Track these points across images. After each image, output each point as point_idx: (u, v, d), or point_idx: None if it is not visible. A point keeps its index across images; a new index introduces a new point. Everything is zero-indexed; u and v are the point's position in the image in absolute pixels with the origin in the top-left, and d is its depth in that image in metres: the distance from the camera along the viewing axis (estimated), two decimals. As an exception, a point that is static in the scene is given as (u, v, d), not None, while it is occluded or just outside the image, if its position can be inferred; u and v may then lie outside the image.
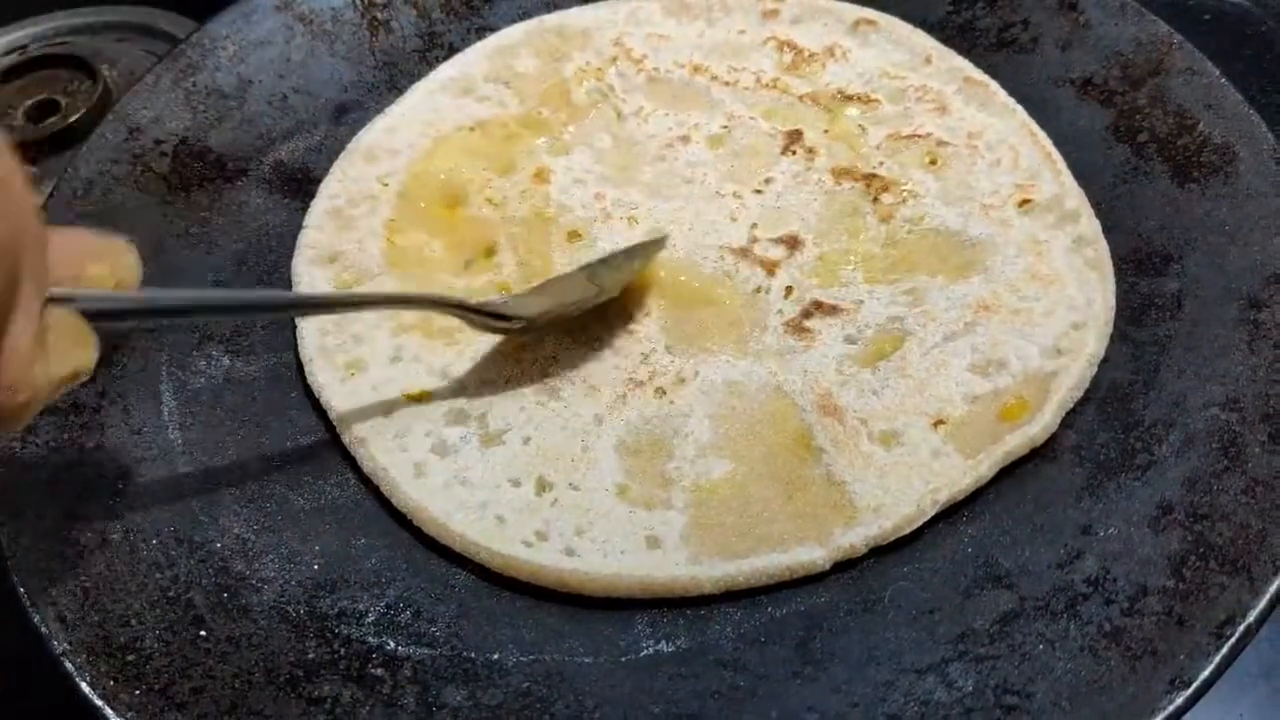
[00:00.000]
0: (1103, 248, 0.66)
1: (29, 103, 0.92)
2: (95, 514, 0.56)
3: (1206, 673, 0.48)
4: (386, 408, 0.62)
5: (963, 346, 0.63)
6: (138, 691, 0.50)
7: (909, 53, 0.79)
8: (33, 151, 0.86)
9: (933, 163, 0.73)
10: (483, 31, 0.83)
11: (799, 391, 0.62)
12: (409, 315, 0.66)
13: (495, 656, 0.54)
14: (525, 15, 0.83)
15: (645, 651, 0.54)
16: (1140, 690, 0.48)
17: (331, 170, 0.74)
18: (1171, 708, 0.47)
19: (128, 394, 0.62)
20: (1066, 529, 0.56)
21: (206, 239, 0.70)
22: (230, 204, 0.72)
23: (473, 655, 0.54)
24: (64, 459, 0.58)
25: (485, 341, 0.65)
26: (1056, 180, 0.70)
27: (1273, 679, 0.63)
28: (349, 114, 0.78)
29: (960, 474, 0.58)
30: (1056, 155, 0.71)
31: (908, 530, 0.57)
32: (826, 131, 0.75)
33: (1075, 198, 0.69)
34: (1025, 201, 0.69)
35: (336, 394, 0.63)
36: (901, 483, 0.58)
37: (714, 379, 0.63)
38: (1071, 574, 0.54)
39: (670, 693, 0.52)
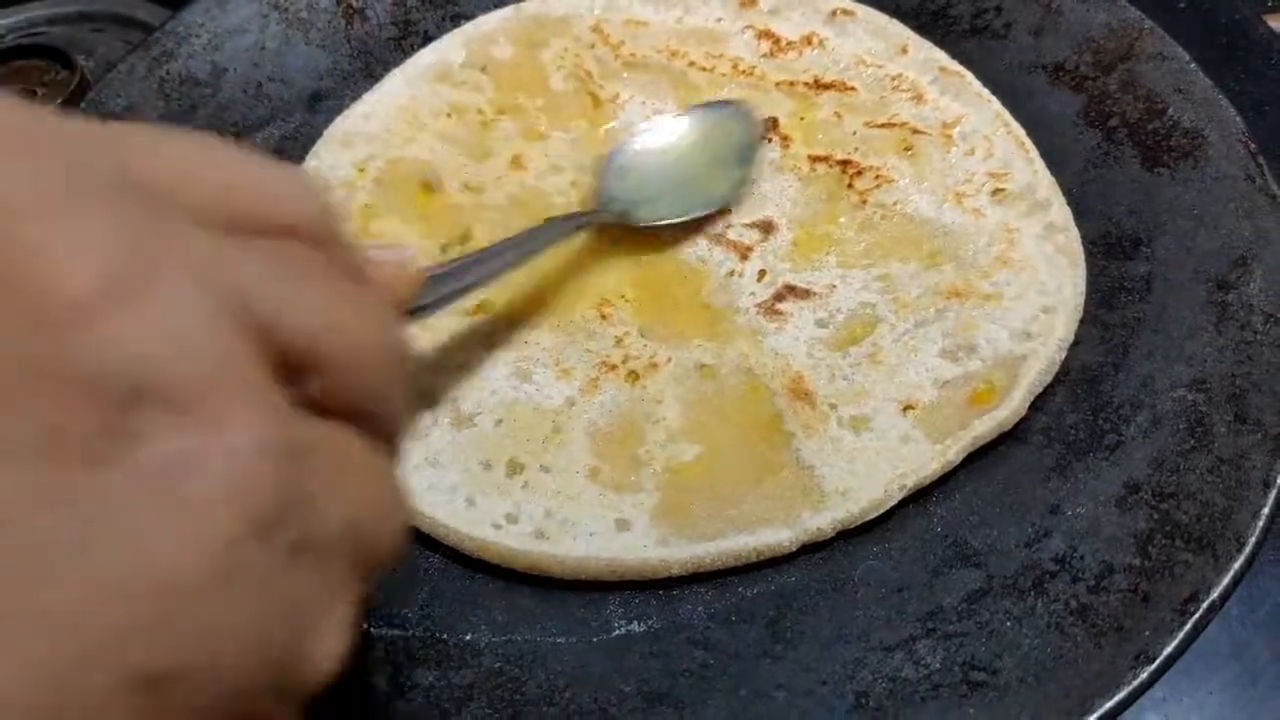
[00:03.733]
0: (1073, 234, 0.67)
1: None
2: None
3: (1171, 648, 0.49)
4: (358, 391, 0.62)
5: (934, 332, 0.64)
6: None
7: (886, 42, 0.80)
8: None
9: (907, 149, 0.74)
10: (458, 19, 0.83)
11: (770, 375, 0.63)
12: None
13: (468, 637, 0.54)
14: (502, 3, 0.84)
15: (617, 631, 0.55)
16: (1106, 666, 0.49)
17: (308, 157, 0.75)
18: (1136, 682, 0.48)
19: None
20: (1035, 509, 0.57)
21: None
22: (205, 191, 0.72)
23: (445, 636, 0.54)
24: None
25: (457, 325, 0.65)
26: (1029, 169, 0.71)
27: (1243, 658, 0.63)
28: (324, 102, 0.78)
29: (928, 459, 0.59)
30: (1029, 144, 0.72)
31: (874, 514, 0.57)
32: (803, 119, 0.76)
33: (1047, 186, 0.70)
34: (998, 190, 0.70)
35: (309, 377, 0.63)
36: (869, 467, 0.59)
37: (686, 363, 0.63)
38: (1039, 553, 0.55)
39: (641, 672, 0.53)
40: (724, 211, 0.71)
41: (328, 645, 0.30)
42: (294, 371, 0.30)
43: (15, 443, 0.25)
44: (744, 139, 0.74)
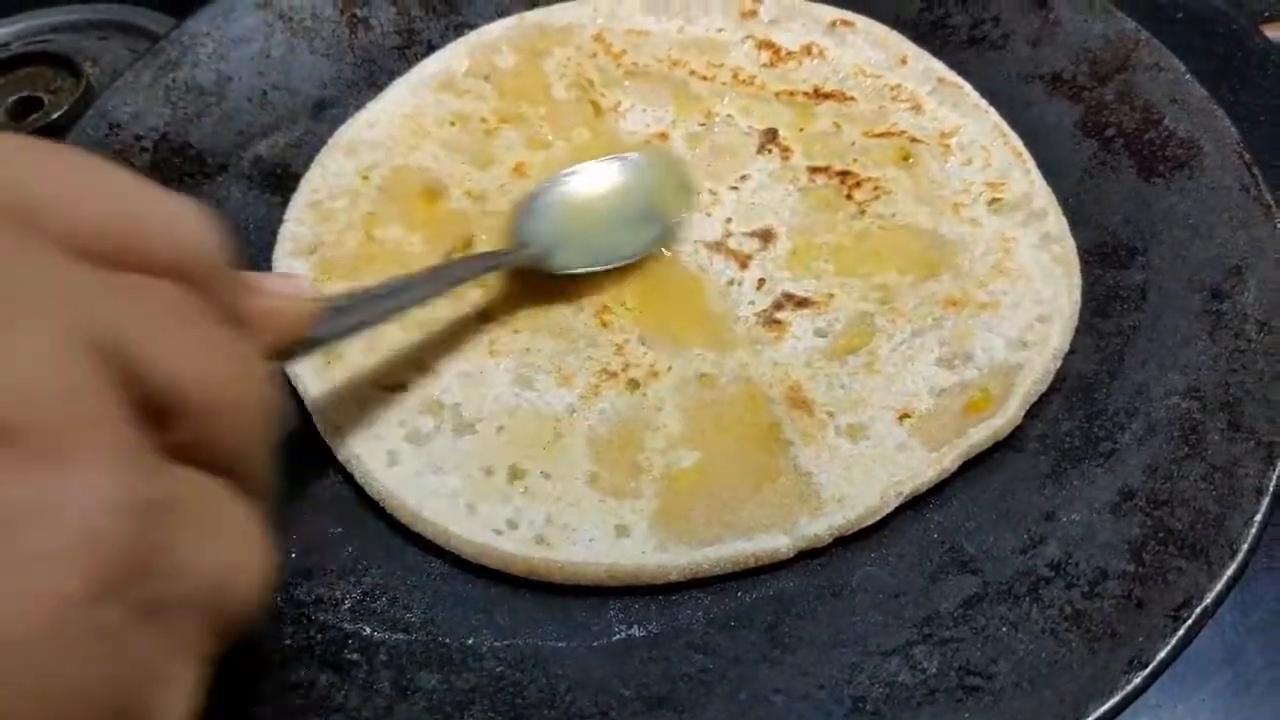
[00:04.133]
0: (1069, 245, 0.68)
1: (11, 100, 0.93)
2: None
3: (1164, 654, 0.49)
4: (361, 397, 0.63)
5: (930, 341, 0.65)
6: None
7: (885, 53, 0.80)
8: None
9: (906, 159, 0.74)
10: (461, 29, 0.84)
11: (769, 384, 0.63)
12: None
13: (470, 642, 0.55)
14: (503, 12, 0.85)
15: (617, 636, 0.55)
16: (1099, 671, 0.50)
17: (313, 165, 0.75)
18: (1130, 687, 0.49)
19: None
20: (1030, 515, 0.58)
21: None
22: (210, 199, 0.73)
23: (447, 641, 0.55)
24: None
25: (460, 333, 0.66)
26: (1026, 179, 0.71)
27: (1236, 665, 0.64)
28: (328, 110, 0.79)
29: (924, 466, 0.59)
30: (1026, 155, 0.73)
31: (871, 521, 0.58)
32: (802, 129, 0.77)
33: (1043, 197, 0.70)
34: (995, 200, 0.71)
35: (313, 383, 0.64)
36: (866, 475, 0.59)
37: (686, 371, 0.64)
38: (1034, 559, 0.55)
39: (641, 676, 0.53)
40: (724, 219, 0.72)
41: (171, 708, 0.29)
42: (159, 416, 0.29)
43: None
44: (667, 192, 0.73)
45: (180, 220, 0.33)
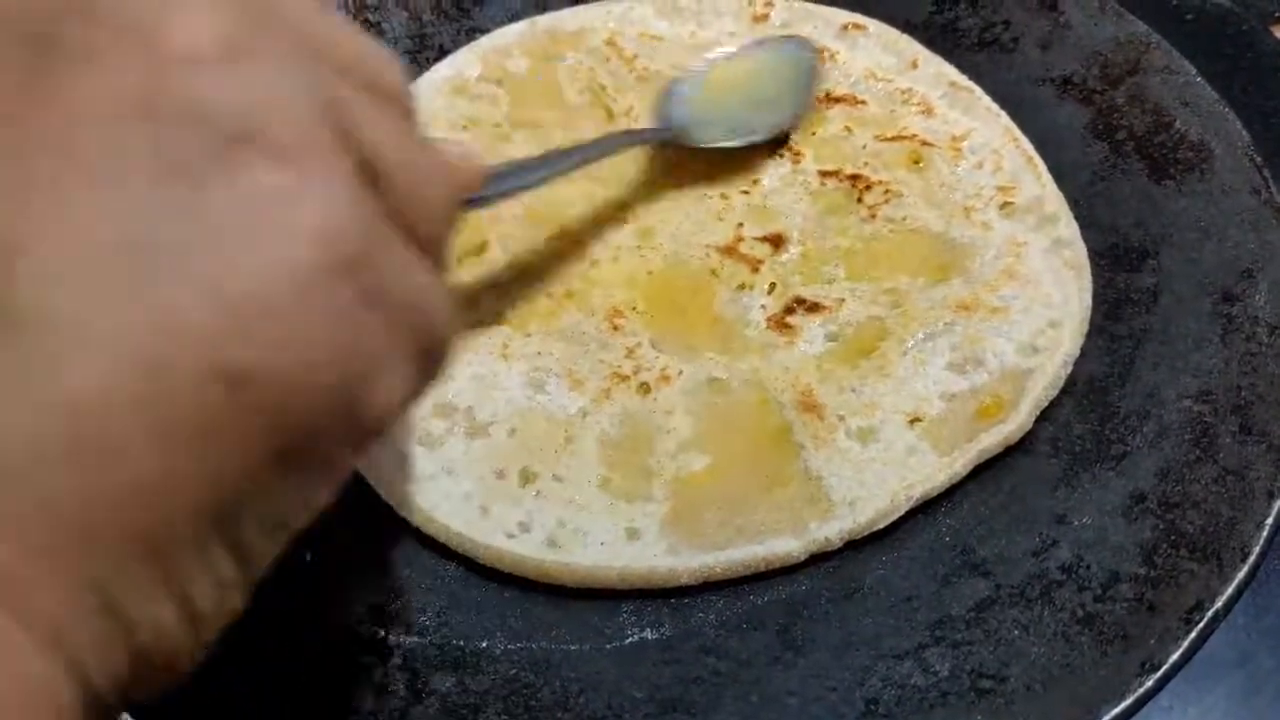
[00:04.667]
0: (1080, 249, 0.68)
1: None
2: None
3: (1175, 656, 0.50)
4: (373, 403, 0.63)
5: (941, 345, 0.65)
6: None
7: (896, 57, 0.81)
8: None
9: (917, 163, 0.74)
10: (473, 33, 0.84)
11: (780, 388, 0.64)
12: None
13: (483, 645, 0.55)
14: (515, 17, 0.85)
15: (630, 639, 0.55)
16: (1111, 673, 0.50)
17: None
18: (1142, 690, 0.49)
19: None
20: (1042, 519, 0.58)
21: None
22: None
23: (461, 644, 0.55)
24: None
25: (473, 338, 0.66)
26: (1037, 183, 0.71)
27: (1248, 666, 0.64)
28: (341, 115, 0.79)
29: (935, 471, 0.59)
30: (1038, 159, 0.73)
31: (881, 525, 0.58)
32: (813, 133, 0.77)
33: (1055, 201, 0.70)
34: (1006, 204, 0.71)
35: (325, 388, 0.64)
36: (877, 479, 0.59)
37: (697, 376, 0.64)
38: (1046, 562, 0.56)
39: (654, 678, 0.54)
40: (736, 224, 0.72)
41: (388, 396, 0.33)
42: (371, 182, 0.34)
43: (134, 156, 0.29)
44: (803, 69, 0.79)
45: (387, 56, 0.38)
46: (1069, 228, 0.69)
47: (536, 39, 0.83)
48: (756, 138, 0.76)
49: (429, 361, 0.36)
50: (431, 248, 0.37)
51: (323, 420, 0.31)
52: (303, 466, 0.32)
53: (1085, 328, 0.65)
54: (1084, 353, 0.64)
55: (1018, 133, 0.74)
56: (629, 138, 0.74)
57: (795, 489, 0.59)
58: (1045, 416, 0.62)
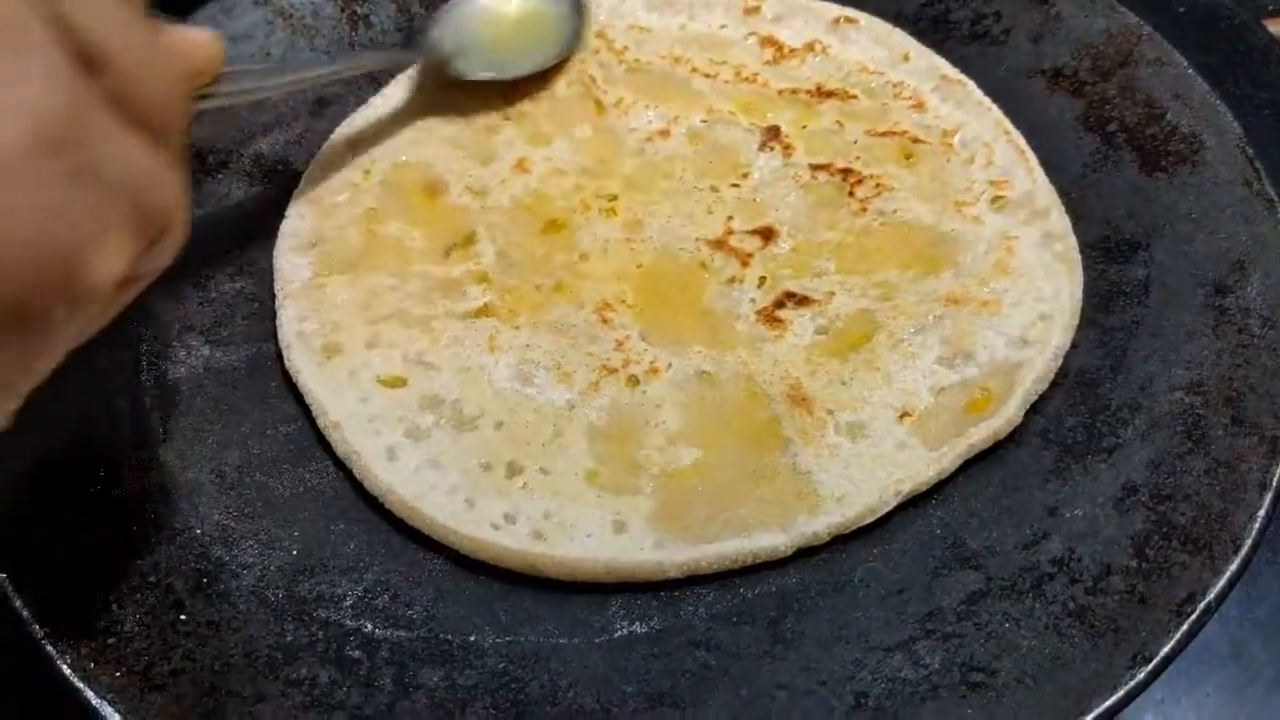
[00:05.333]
0: (1071, 243, 0.68)
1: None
2: (75, 501, 0.57)
3: (1167, 649, 0.50)
4: (362, 393, 0.63)
5: (931, 339, 0.65)
6: (118, 673, 0.51)
7: (888, 50, 0.80)
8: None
9: (908, 158, 0.74)
10: (462, 25, 0.84)
11: (769, 381, 0.63)
12: (385, 305, 0.67)
13: (471, 638, 0.55)
14: (504, 8, 0.85)
15: (619, 632, 0.55)
16: (1103, 666, 0.50)
17: (314, 160, 0.76)
18: (1133, 683, 0.49)
19: (108, 383, 0.63)
20: (1033, 511, 0.58)
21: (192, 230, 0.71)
22: (210, 196, 0.73)
23: (449, 637, 0.55)
24: (45, 447, 0.59)
25: (461, 329, 0.66)
26: (1029, 177, 0.71)
27: (1241, 659, 0.64)
28: (329, 107, 0.79)
29: (924, 466, 0.59)
30: (1029, 153, 0.73)
31: (869, 520, 0.58)
32: (804, 127, 0.77)
33: (1046, 195, 0.70)
34: (998, 198, 0.71)
35: (313, 378, 0.64)
36: (865, 474, 0.59)
37: (686, 369, 0.64)
38: (1037, 554, 0.55)
39: (643, 672, 0.53)
40: (726, 217, 0.72)
41: (106, 267, 0.36)
42: (87, 66, 0.35)
43: None
44: (574, 17, 0.82)
45: None
46: (1060, 221, 0.69)
47: None
48: (518, 73, 0.79)
49: (154, 236, 0.39)
50: (161, 132, 0.39)
51: (32, 287, 0.34)
52: (18, 329, 0.35)
53: (1076, 321, 0.65)
54: (1075, 344, 0.64)
55: (1009, 126, 0.74)
56: (381, 57, 0.77)
57: (783, 483, 0.59)
58: (1036, 408, 0.62)
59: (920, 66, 0.79)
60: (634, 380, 0.64)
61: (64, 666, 0.51)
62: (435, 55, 0.77)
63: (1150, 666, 0.49)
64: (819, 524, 0.57)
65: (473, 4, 0.80)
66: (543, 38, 0.80)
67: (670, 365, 0.64)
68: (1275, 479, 0.54)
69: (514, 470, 0.60)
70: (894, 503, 0.58)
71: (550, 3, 0.81)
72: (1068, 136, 0.73)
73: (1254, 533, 0.53)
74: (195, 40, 0.50)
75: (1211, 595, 0.51)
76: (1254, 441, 0.56)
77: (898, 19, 0.82)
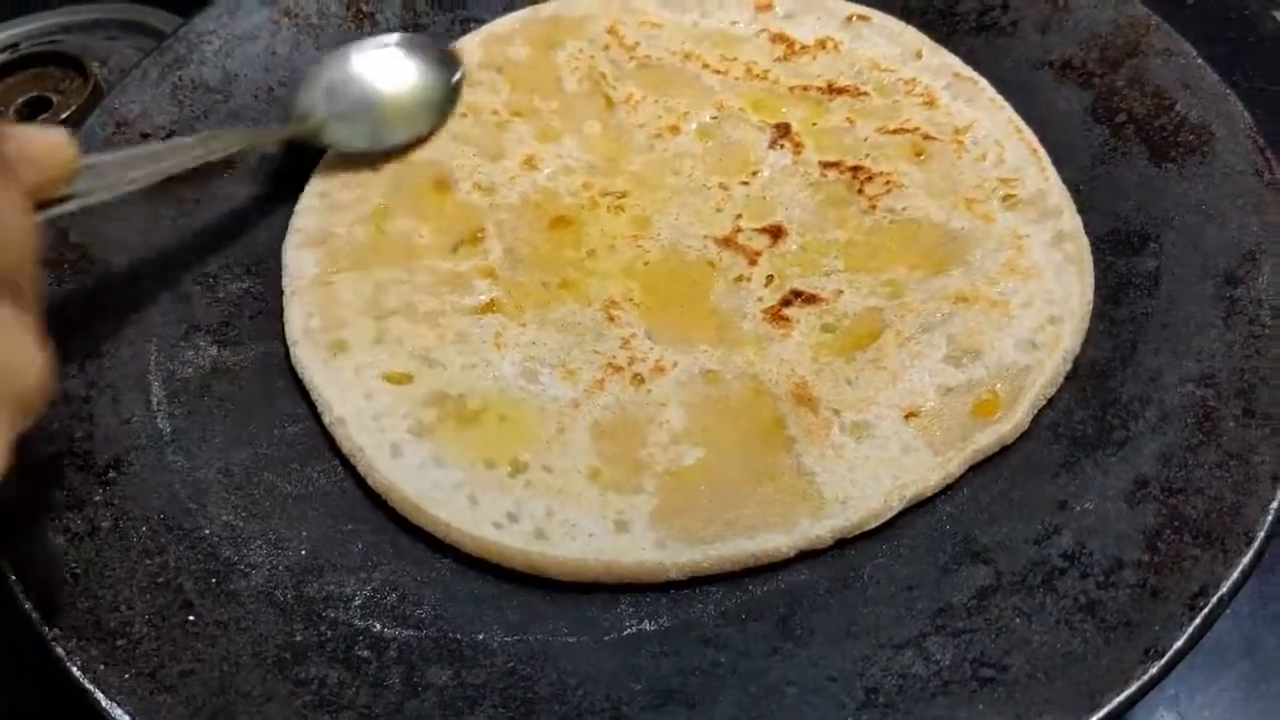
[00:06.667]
0: (1083, 243, 0.67)
1: (21, 100, 0.93)
2: (85, 502, 0.57)
3: (1180, 643, 0.49)
4: (367, 389, 0.63)
5: (938, 337, 0.64)
6: (127, 675, 0.51)
7: (900, 47, 0.80)
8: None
9: (918, 155, 0.74)
10: (467, 23, 0.84)
11: (774, 380, 0.63)
12: (392, 299, 0.67)
13: (480, 637, 0.55)
14: (510, 7, 0.85)
15: (628, 630, 0.55)
16: (1115, 661, 0.49)
17: (324, 157, 0.76)
18: (1146, 677, 0.48)
19: (116, 383, 0.63)
20: (1043, 505, 0.57)
21: (194, 229, 0.71)
22: (217, 194, 0.73)
23: (458, 636, 0.55)
24: (53, 448, 0.59)
25: (467, 325, 0.66)
26: (1040, 175, 0.71)
27: (1255, 655, 0.64)
28: (335, 107, 0.79)
29: (929, 471, 0.59)
30: (1041, 151, 0.72)
31: (873, 524, 0.57)
32: (815, 124, 0.76)
33: (1058, 194, 0.70)
34: (1009, 196, 0.70)
35: (319, 375, 0.64)
36: (870, 477, 0.59)
37: (691, 368, 0.64)
38: (1048, 549, 0.55)
39: (652, 670, 0.53)
40: (735, 215, 0.71)
41: None
42: None
43: None
44: (448, 89, 0.78)
45: None
46: (1072, 221, 0.68)
47: (539, 26, 0.83)
48: (394, 143, 0.75)
49: (20, 424, 0.39)
50: (10, 280, 0.38)
51: None
52: None
53: (1086, 324, 0.64)
54: (1085, 337, 0.63)
55: (1021, 124, 0.74)
56: (247, 134, 0.72)
57: (787, 484, 0.59)
58: (1046, 402, 0.61)
59: (933, 64, 0.78)
60: (639, 378, 0.63)
61: (74, 668, 0.51)
62: (305, 127, 0.74)
63: (1163, 661, 0.48)
64: (822, 527, 0.57)
65: (341, 69, 0.76)
66: (418, 103, 0.77)
67: (676, 364, 0.64)
68: (1288, 471, 0.53)
69: (518, 467, 0.60)
70: (898, 508, 0.58)
71: (423, 67, 0.78)
72: (1076, 128, 0.73)
73: (1266, 525, 0.52)
74: (45, 144, 0.47)
75: (1224, 588, 0.50)
76: (1266, 433, 0.55)
77: (904, 12, 0.81)
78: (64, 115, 0.90)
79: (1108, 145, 0.71)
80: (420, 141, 0.76)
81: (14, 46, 1.00)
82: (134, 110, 0.74)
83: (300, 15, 0.81)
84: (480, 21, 0.84)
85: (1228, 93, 0.68)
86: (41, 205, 0.48)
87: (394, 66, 0.78)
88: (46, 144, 0.47)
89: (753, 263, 0.69)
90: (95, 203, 0.56)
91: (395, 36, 0.79)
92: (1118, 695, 0.48)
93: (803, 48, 0.81)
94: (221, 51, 0.78)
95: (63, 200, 0.53)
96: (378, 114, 0.76)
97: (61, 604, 0.53)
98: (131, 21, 1.02)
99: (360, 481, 0.60)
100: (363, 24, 0.82)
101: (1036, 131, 0.73)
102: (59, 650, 0.51)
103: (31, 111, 0.92)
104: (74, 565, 0.55)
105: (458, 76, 0.78)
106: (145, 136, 0.73)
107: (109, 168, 0.57)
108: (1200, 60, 0.70)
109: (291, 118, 0.73)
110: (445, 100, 0.77)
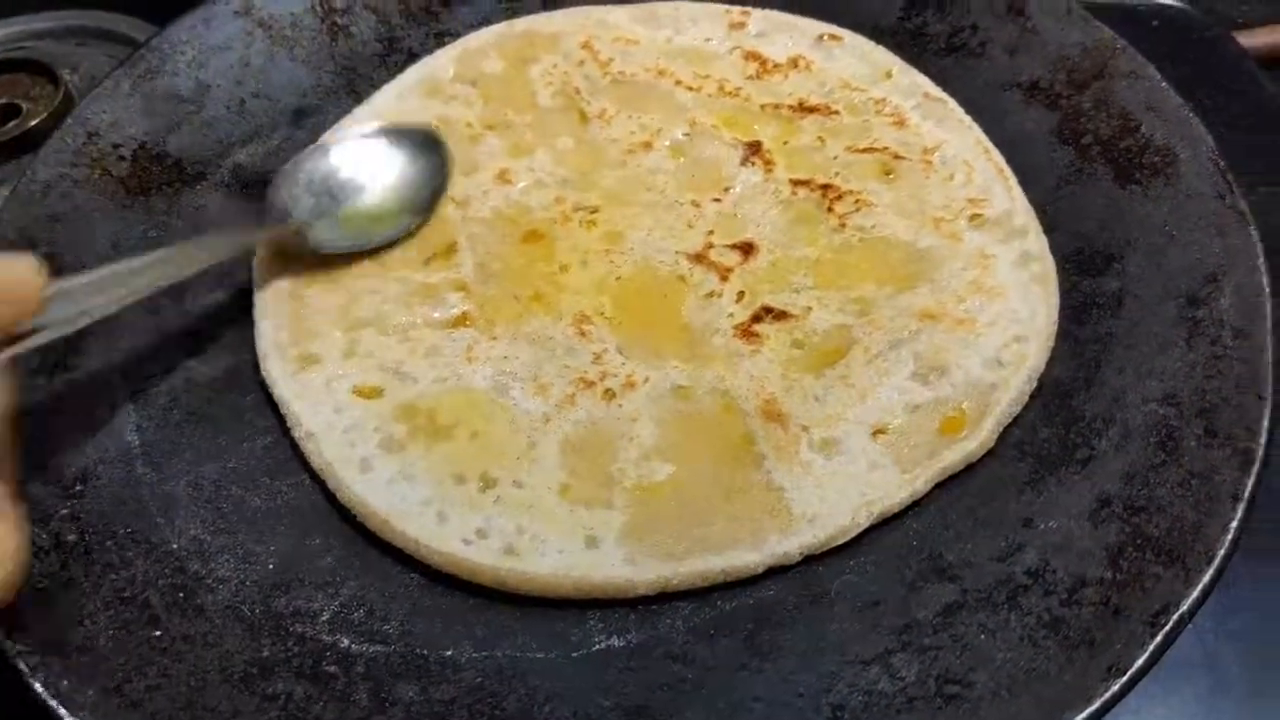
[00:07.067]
0: (1049, 263, 0.68)
1: (-12, 107, 0.92)
2: (50, 516, 0.57)
3: (1141, 660, 0.49)
4: (337, 404, 0.63)
5: (905, 354, 0.64)
6: (92, 691, 0.50)
7: (871, 67, 0.81)
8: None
9: (888, 174, 0.74)
10: (441, 36, 0.84)
11: (744, 396, 0.63)
12: (363, 309, 0.68)
13: (448, 653, 0.54)
14: (485, 21, 0.85)
15: (597, 646, 0.55)
16: (1077, 678, 0.50)
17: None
18: (1108, 694, 0.49)
19: (84, 396, 0.62)
20: (1008, 522, 0.58)
21: (165, 242, 0.70)
22: (189, 207, 0.73)
23: (425, 652, 0.55)
24: (19, 460, 0.58)
25: (439, 339, 0.66)
26: (1007, 196, 0.71)
27: (1215, 669, 0.64)
28: (308, 118, 0.79)
29: (896, 488, 0.59)
30: (1009, 172, 0.73)
31: (841, 541, 0.58)
32: (786, 143, 0.77)
33: (1024, 214, 0.70)
34: (976, 216, 0.71)
35: (289, 389, 0.63)
36: (838, 493, 0.59)
37: (662, 384, 0.64)
38: (1013, 566, 0.55)
39: (620, 686, 0.53)
40: (706, 231, 0.72)
41: None
42: None
43: None
44: (435, 179, 0.74)
45: None
46: (1038, 242, 0.69)
47: (513, 40, 0.83)
48: (383, 241, 0.71)
49: None
50: None
51: None
52: None
53: (1051, 343, 0.65)
54: (1050, 356, 0.64)
55: (989, 145, 0.74)
56: (230, 240, 0.66)
57: (756, 500, 0.59)
58: (1012, 420, 0.62)
59: (903, 84, 0.79)
60: (610, 394, 0.63)
61: (36, 684, 0.50)
62: (285, 229, 0.68)
63: (1125, 678, 0.49)
64: (791, 544, 0.57)
65: (320, 165, 0.72)
66: (404, 200, 0.73)
67: (647, 379, 0.64)
68: (1248, 490, 0.54)
69: (487, 483, 0.60)
70: (865, 524, 0.58)
71: (407, 157, 0.74)
72: (1043, 149, 0.74)
73: (1227, 544, 0.52)
74: (12, 276, 0.45)
75: (1185, 606, 0.51)
76: (1227, 453, 0.56)
77: (875, 32, 0.82)
78: (33, 123, 0.89)
79: (1073, 166, 0.72)
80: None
81: (-17, 53, 0.99)
82: (105, 120, 0.73)
83: (274, 27, 0.81)
84: (454, 35, 0.84)
85: (1191, 116, 0.69)
86: (9, 340, 0.48)
87: (376, 159, 0.73)
88: (13, 275, 0.45)
89: (724, 279, 0.69)
90: (69, 333, 0.53)
91: (373, 126, 0.75)
92: (1080, 713, 0.48)
93: (775, 66, 0.81)
94: (195, 62, 0.78)
95: (31, 333, 0.50)
96: (362, 213, 0.72)
97: (25, 618, 0.52)
98: (103, 29, 1.01)
99: (330, 496, 0.60)
100: (336, 36, 0.82)
101: (1004, 152, 0.74)
102: (22, 665, 0.51)
103: (0, 119, 0.91)
104: (38, 580, 0.54)
105: (446, 162, 0.75)
106: (117, 146, 0.72)
107: (80, 292, 0.53)
108: (1165, 83, 0.71)
109: (269, 214, 0.69)
110: (433, 191, 0.73)
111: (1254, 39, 0.99)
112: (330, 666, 0.53)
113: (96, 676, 0.51)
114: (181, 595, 0.55)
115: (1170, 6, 0.98)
